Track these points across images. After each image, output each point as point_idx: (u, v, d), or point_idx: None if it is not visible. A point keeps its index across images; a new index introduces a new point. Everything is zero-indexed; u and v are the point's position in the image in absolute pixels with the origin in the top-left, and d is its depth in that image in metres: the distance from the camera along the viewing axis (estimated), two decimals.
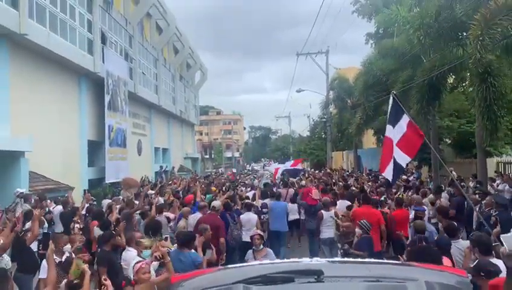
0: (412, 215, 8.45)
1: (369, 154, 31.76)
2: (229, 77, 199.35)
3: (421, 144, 6.67)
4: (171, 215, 9.65)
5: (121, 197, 13.03)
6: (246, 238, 8.75)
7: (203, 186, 14.92)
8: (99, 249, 6.92)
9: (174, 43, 37.27)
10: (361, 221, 7.46)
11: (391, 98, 7.00)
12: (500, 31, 10.46)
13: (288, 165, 21.60)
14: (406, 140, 6.60)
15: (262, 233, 7.65)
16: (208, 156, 69.62)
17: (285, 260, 3.56)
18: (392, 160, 6.81)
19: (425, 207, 9.43)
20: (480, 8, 10.83)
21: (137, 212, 9.58)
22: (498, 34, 10.47)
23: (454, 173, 18.50)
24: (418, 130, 6.60)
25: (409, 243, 6.83)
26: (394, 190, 12.40)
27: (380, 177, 14.75)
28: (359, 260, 3.71)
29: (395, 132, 6.77)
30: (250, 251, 6.98)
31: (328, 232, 9.35)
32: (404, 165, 7.12)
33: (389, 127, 6.95)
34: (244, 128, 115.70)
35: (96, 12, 20.06)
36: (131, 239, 6.62)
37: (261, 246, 6.90)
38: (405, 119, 6.66)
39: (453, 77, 16.74)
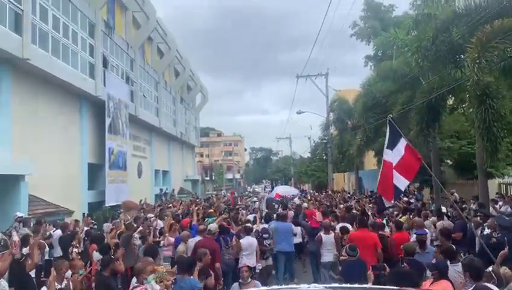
0: (413, 238, 8.33)
1: (370, 175, 31.64)
2: (229, 98, 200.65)
3: (419, 167, 6.67)
4: (171, 239, 9.60)
5: (119, 220, 12.93)
6: (245, 262, 8.67)
7: (200, 208, 14.82)
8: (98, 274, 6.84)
9: (175, 66, 37.70)
10: (348, 245, 7.40)
11: (388, 122, 7.04)
12: (496, 54, 10.56)
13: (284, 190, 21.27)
14: (404, 163, 6.62)
15: (251, 265, 7.63)
16: (208, 178, 69.46)
17: (283, 286, 3.52)
18: (393, 183, 6.79)
19: (427, 230, 9.32)
20: (477, 31, 10.96)
21: (138, 237, 9.50)
22: (495, 56, 10.56)
23: (456, 194, 18.39)
24: (416, 153, 6.63)
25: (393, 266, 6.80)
26: (396, 212, 12.30)
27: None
28: (356, 286, 3.65)
29: (393, 156, 6.78)
30: (236, 285, 6.73)
31: (328, 255, 9.20)
32: (403, 189, 7.12)
33: (387, 151, 6.97)
34: (245, 149, 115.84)
35: (98, 37, 20.36)
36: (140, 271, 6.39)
37: (249, 279, 6.65)
38: (402, 143, 6.70)
39: (453, 98, 16.82)
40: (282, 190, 23.92)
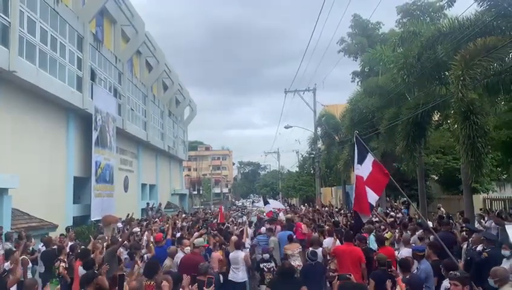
0: (409, 254, 8.23)
1: None
2: (218, 112, 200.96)
3: (386, 183, 6.76)
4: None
5: (104, 235, 12.75)
6: (232, 276, 8.81)
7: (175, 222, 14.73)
8: None
9: (164, 79, 37.69)
10: (309, 251, 7.71)
11: (355, 138, 7.16)
12: (480, 71, 10.79)
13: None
14: (372, 179, 6.71)
15: (235, 280, 7.94)
16: (196, 192, 68.97)
17: None
18: (366, 197, 6.87)
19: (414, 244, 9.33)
20: (461, 49, 11.21)
21: (125, 252, 9.38)
22: (478, 73, 10.80)
23: (442, 209, 18.59)
24: (383, 169, 6.73)
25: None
26: (382, 227, 12.34)
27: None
28: None
29: (363, 170, 6.87)
30: None
31: None
32: (374, 204, 7.18)
33: (357, 166, 7.06)
34: (233, 163, 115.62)
35: (86, 50, 20.30)
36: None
37: None
38: (370, 159, 6.79)
39: (438, 114, 17.07)
40: (275, 205, 23.86)
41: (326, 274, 8.04)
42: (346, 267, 7.50)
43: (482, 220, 13.87)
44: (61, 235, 12.46)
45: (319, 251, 9.28)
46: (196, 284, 6.38)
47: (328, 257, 9.06)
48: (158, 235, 10.54)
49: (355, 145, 7.16)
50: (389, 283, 5.49)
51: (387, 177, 6.68)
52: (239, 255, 9.06)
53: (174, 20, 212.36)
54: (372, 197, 6.81)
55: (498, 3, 11.27)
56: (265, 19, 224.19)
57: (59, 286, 7.12)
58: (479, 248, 8.26)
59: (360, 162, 6.95)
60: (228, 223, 17.75)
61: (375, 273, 6.80)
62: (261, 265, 8.58)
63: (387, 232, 11.00)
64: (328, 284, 8.71)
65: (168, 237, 10.86)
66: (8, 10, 14.42)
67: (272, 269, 8.39)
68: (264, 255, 8.71)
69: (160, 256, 8.89)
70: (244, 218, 22.37)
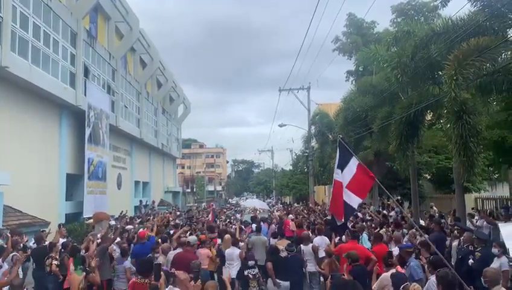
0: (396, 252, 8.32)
1: None
2: (212, 110, 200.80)
3: (372, 185, 6.81)
4: None
5: (95, 232, 12.69)
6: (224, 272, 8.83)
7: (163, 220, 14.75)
8: None
9: (158, 76, 37.54)
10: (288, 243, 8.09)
11: (338, 142, 7.20)
12: (473, 71, 10.83)
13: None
14: (356, 182, 6.74)
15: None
16: (189, 190, 68.85)
17: None
18: (343, 203, 6.90)
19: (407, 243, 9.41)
20: (454, 49, 11.25)
21: (118, 250, 9.34)
22: (471, 73, 10.85)
23: (434, 208, 18.72)
24: (368, 172, 6.77)
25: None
26: (373, 225, 12.44)
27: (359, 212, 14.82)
28: None
29: (344, 175, 6.91)
30: None
31: (310, 265, 9.49)
32: (356, 207, 7.22)
33: (337, 171, 7.11)
34: (227, 161, 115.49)
35: (79, 46, 20.16)
36: None
37: None
38: (354, 162, 6.82)
39: (431, 114, 17.15)
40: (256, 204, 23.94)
41: (319, 270, 8.48)
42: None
43: (472, 219, 13.98)
44: (42, 230, 12.36)
45: (309, 247, 9.50)
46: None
47: (325, 255, 9.21)
48: (141, 233, 10.59)
49: (338, 149, 7.21)
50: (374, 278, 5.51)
51: (373, 180, 6.74)
52: (234, 252, 9.28)
53: (168, 18, 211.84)
54: (354, 200, 6.85)
55: (491, 3, 11.32)
56: (260, 16, 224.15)
57: (84, 274, 7.07)
58: (470, 247, 8.36)
59: (341, 167, 7.00)
60: (222, 221, 17.79)
61: (352, 270, 6.95)
62: (245, 272, 8.31)
63: (379, 231, 11.07)
64: (322, 279, 8.94)
65: (153, 234, 10.84)
66: (0, 5, 14.28)
67: (257, 275, 8.24)
68: (249, 261, 8.47)
69: (140, 252, 8.92)
70: (238, 216, 22.42)
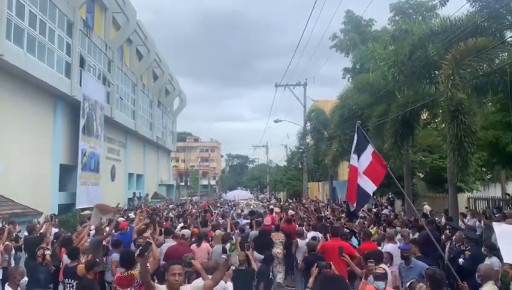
0: (393, 249, 8.29)
1: (343, 186, 31.70)
2: (208, 104, 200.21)
3: (384, 174, 6.80)
4: None
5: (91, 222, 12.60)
6: None
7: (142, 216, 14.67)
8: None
9: (154, 69, 37.36)
10: None
11: (356, 127, 7.18)
12: (469, 71, 10.90)
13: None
14: (372, 169, 6.75)
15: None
16: (183, 184, 68.76)
17: None
18: (357, 187, 6.90)
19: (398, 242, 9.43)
20: (451, 48, 11.28)
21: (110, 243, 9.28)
22: (468, 73, 10.90)
23: (427, 207, 18.81)
24: (381, 161, 6.77)
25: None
26: (366, 223, 12.48)
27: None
28: None
29: (361, 161, 6.90)
30: None
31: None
32: (371, 193, 7.20)
33: (354, 156, 7.10)
34: (222, 156, 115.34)
35: (75, 36, 19.98)
36: None
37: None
38: (370, 149, 6.83)
39: (426, 113, 17.21)
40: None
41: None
42: (336, 263, 7.55)
43: (464, 219, 14.07)
44: (35, 221, 12.31)
45: (304, 242, 9.64)
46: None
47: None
48: (122, 224, 10.59)
49: (356, 135, 7.17)
50: (314, 269, 5.42)
51: (386, 169, 6.73)
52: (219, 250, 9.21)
53: (166, 10, 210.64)
54: (370, 186, 6.83)
55: (490, 4, 11.35)
56: (258, 11, 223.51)
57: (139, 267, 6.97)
58: (462, 247, 8.41)
59: (358, 152, 6.97)
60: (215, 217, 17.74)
61: (306, 258, 7.40)
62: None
63: (372, 229, 11.13)
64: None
65: (134, 225, 10.76)
66: None
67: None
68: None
69: (123, 242, 8.89)
70: (232, 211, 22.38)
